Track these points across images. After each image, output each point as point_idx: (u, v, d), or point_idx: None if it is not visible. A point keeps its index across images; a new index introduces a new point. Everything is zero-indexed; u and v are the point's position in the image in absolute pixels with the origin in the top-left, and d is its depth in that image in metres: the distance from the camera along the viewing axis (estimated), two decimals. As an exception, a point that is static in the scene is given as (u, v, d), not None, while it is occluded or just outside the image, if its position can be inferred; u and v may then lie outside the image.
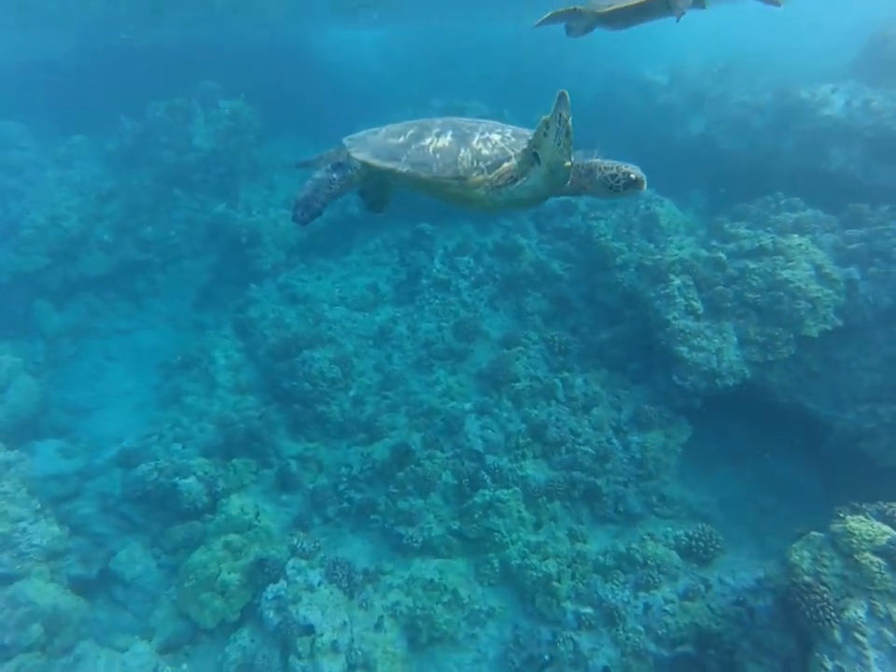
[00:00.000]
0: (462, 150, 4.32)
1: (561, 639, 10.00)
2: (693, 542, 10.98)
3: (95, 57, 25.64)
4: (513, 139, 4.38)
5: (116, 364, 17.88)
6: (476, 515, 11.50)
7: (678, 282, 12.97)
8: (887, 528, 7.34)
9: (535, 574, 10.69)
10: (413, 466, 12.32)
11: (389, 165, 4.50)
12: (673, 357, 12.54)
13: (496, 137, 4.37)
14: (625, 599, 10.32)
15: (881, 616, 6.70)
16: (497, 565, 11.11)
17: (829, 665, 6.67)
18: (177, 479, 12.50)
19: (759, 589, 8.80)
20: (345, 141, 4.94)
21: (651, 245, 14.52)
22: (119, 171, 21.62)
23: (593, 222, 15.47)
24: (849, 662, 6.60)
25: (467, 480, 12.05)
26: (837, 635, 6.78)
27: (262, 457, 13.44)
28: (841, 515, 7.87)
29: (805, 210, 14.29)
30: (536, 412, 13.07)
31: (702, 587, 10.31)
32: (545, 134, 3.75)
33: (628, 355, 13.91)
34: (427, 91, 23.72)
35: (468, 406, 13.45)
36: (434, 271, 17.39)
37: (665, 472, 12.60)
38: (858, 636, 6.66)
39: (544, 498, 11.94)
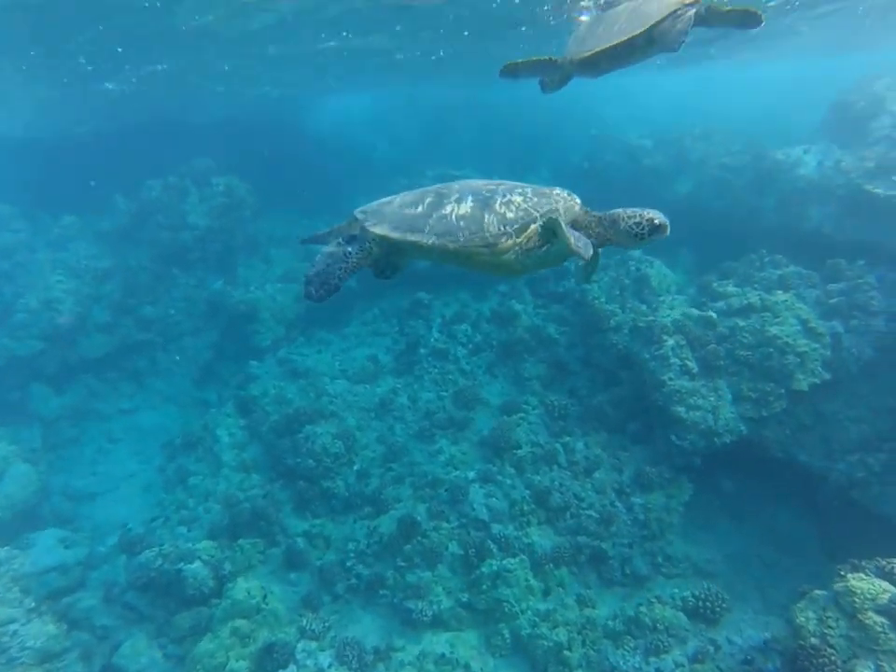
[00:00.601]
0: (486, 216, 4.28)
1: (575, 709, 10.05)
2: (700, 603, 11.13)
3: (80, 137, 26.33)
4: (535, 199, 4.37)
5: (118, 446, 18.10)
6: (484, 586, 11.61)
7: (671, 342, 13.33)
8: (887, 586, 7.48)
9: (546, 643, 10.79)
10: (419, 538, 12.43)
11: (412, 238, 4.40)
12: (671, 417, 12.81)
13: (518, 199, 4.34)
14: (636, 665, 10.43)
15: None
16: (507, 635, 11.20)
17: None
18: (182, 564, 12.51)
19: (766, 650, 8.89)
20: (358, 214, 4.84)
21: (644, 306, 14.90)
22: (114, 251, 22.10)
23: (586, 285, 15.88)
24: None
25: (473, 550, 12.16)
26: None
27: (269, 536, 13.50)
28: (842, 573, 8.00)
29: (788, 266, 14.77)
30: (539, 478, 13.27)
31: (711, 648, 10.45)
32: (555, 234, 4.09)
33: (626, 416, 14.18)
34: (419, 160, 24.40)
35: (471, 475, 13.64)
36: (432, 340, 17.75)
37: (668, 532, 12.75)
38: None
39: (551, 565, 12.08)
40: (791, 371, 12.66)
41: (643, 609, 11.12)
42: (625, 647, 10.71)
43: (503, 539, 12.30)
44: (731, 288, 14.17)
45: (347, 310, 20.44)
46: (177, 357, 20.04)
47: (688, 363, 13.15)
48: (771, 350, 12.77)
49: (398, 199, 4.77)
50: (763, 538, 13.27)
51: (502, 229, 4.22)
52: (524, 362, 16.20)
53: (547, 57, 6.95)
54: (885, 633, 6.97)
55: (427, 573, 12.08)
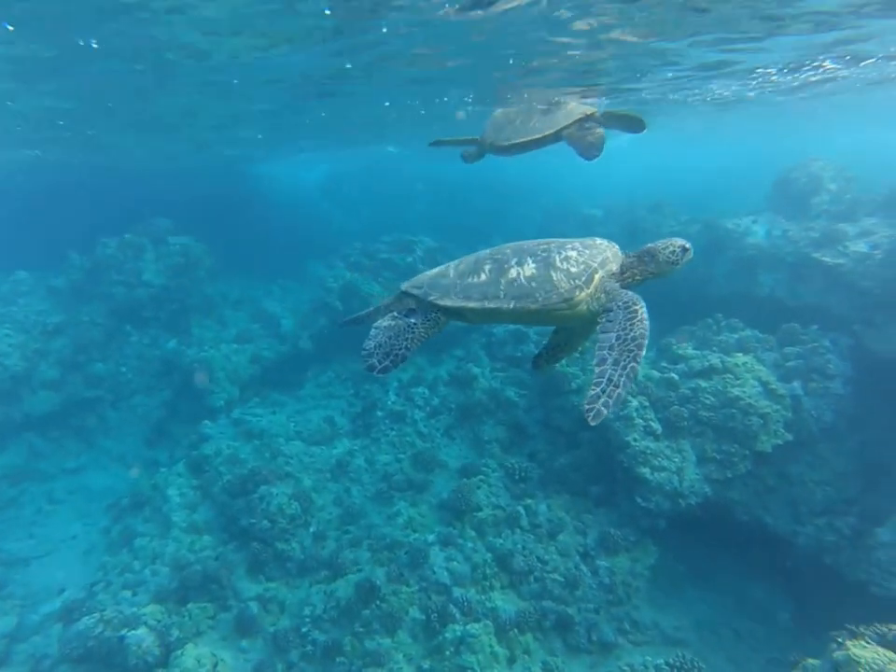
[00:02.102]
0: (554, 274, 4.44)
1: None
2: (675, 671, 10.56)
3: (31, 193, 25.84)
4: (587, 251, 4.57)
5: (61, 507, 16.96)
6: (447, 652, 10.97)
7: (635, 403, 13.16)
8: (892, 655, 7.02)
9: (513, 714, 10.12)
10: (378, 602, 11.79)
11: (491, 305, 4.51)
12: (636, 478, 12.53)
13: (573, 253, 4.52)
14: (611, 737, 9.78)
15: None
16: (472, 706, 10.49)
17: None
18: (125, 631, 11.50)
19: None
20: (412, 290, 4.91)
21: (604, 369, 14.73)
22: (66, 307, 21.33)
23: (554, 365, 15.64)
24: None
25: (435, 615, 11.55)
26: None
27: (220, 600, 12.65)
28: (839, 640, 7.60)
29: (745, 330, 14.88)
30: (501, 541, 12.80)
31: (690, 720, 9.88)
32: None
33: (589, 478, 13.86)
34: (375, 228, 24.44)
35: (431, 538, 13.08)
36: (389, 402, 17.43)
37: (634, 596, 12.34)
38: None
39: (516, 631, 11.50)
40: (754, 432, 12.57)
41: (616, 677, 10.54)
42: (597, 718, 10.09)
43: (466, 604, 11.72)
44: (691, 351, 14.16)
45: (301, 372, 20.02)
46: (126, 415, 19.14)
47: (652, 424, 12.96)
48: (734, 411, 12.69)
49: (449, 271, 4.87)
50: (731, 604, 12.90)
51: (573, 283, 4.42)
52: (482, 425, 15.91)
53: (470, 137, 8.17)
54: None
55: (387, 639, 11.39)
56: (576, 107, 7.34)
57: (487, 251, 4.87)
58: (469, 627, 11.20)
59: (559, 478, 14.03)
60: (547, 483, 14.05)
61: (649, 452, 12.61)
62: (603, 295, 4.53)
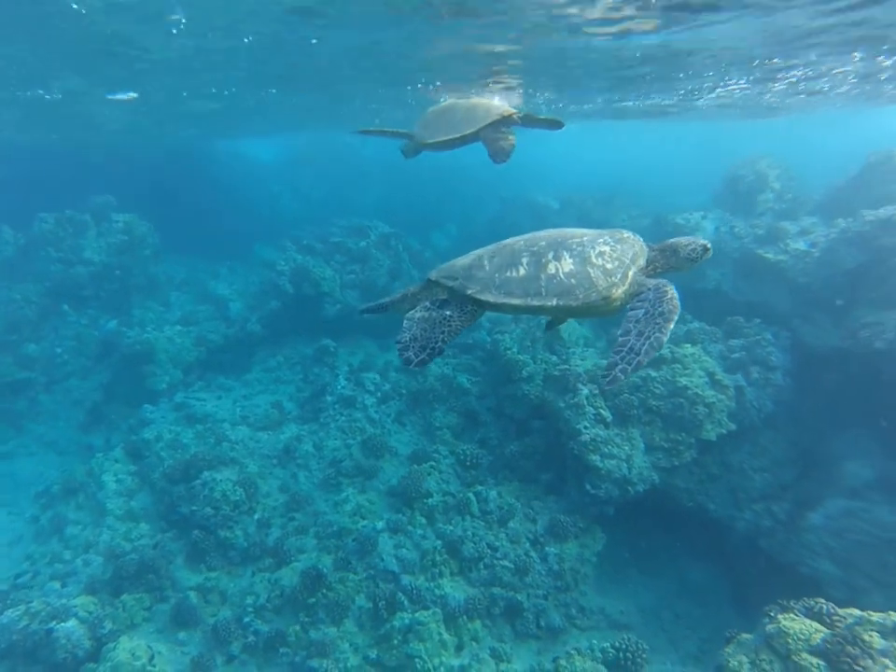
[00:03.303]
0: (591, 270, 4.41)
1: None
2: (621, 654, 10.40)
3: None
4: (619, 246, 4.55)
5: (-15, 497, 15.83)
6: (395, 641, 10.57)
7: (586, 391, 12.93)
8: (818, 625, 7.20)
9: (461, 702, 9.80)
10: (324, 591, 11.34)
11: (535, 303, 4.43)
12: (586, 465, 12.29)
13: (606, 248, 4.49)
14: (558, 723, 9.54)
15: None
16: (419, 694, 10.12)
17: None
18: (54, 623, 10.68)
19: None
20: (447, 281, 4.74)
21: (555, 357, 14.54)
22: (-4, 283, 20.05)
23: (498, 336, 15.40)
24: None
25: (383, 602, 11.12)
26: None
27: (157, 591, 11.95)
28: (771, 614, 7.69)
29: (693, 322, 14.83)
30: (451, 528, 12.43)
31: (634, 702, 9.72)
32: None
33: (539, 465, 13.60)
34: (327, 211, 23.79)
35: (380, 525, 12.63)
36: (339, 387, 16.85)
37: (582, 583, 12.15)
38: None
39: (465, 618, 11.17)
40: (700, 421, 12.49)
41: (562, 661, 10.30)
42: (545, 704, 9.85)
43: (414, 591, 11.33)
44: (641, 340, 13.96)
45: (249, 356, 19.29)
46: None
47: (602, 412, 12.76)
48: (682, 401, 12.59)
49: (483, 262, 4.69)
50: (673, 588, 12.92)
51: (610, 280, 4.40)
52: (434, 411, 15.48)
53: (404, 131, 8.30)
54: None
55: (333, 629, 10.95)
56: (496, 108, 7.39)
57: (520, 241, 4.72)
58: (417, 615, 10.80)
59: (510, 465, 13.72)
60: (498, 470, 13.75)
61: (599, 440, 12.39)
62: (634, 287, 4.52)
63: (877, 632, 6.90)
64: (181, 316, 20.15)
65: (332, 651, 10.63)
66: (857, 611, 7.32)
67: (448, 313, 4.66)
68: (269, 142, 34.44)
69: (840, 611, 7.39)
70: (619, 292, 4.42)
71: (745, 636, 7.83)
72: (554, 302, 4.40)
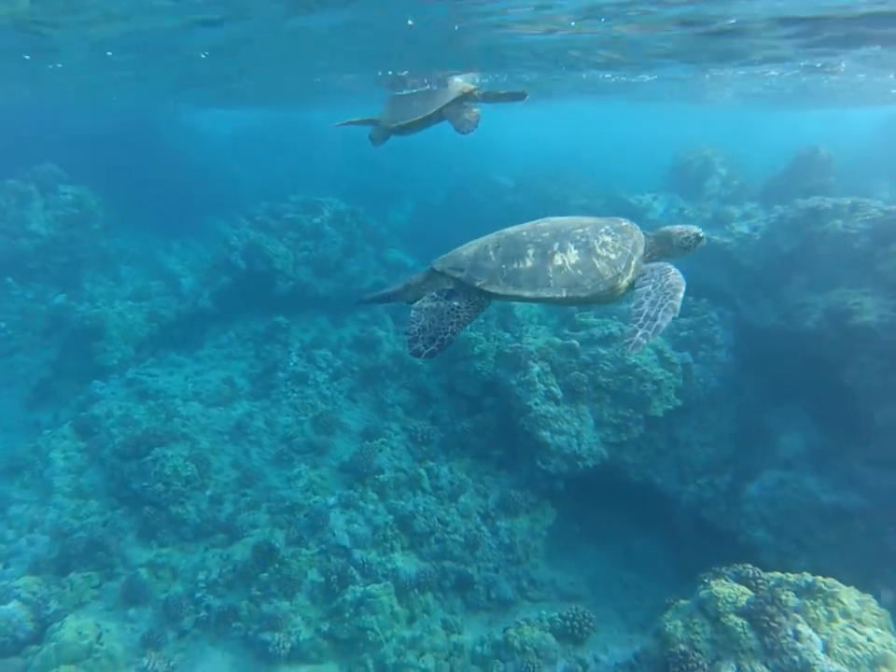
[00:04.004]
0: (597, 262, 4.38)
1: (444, 743, 9.04)
2: (568, 623, 10.49)
3: None
4: (620, 235, 4.52)
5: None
6: (347, 614, 10.47)
7: (537, 368, 12.85)
8: (745, 589, 7.46)
9: (412, 672, 9.72)
10: (276, 565, 11.15)
11: (545, 294, 4.37)
12: (536, 441, 12.27)
13: (608, 238, 4.46)
14: (507, 691, 9.54)
15: None
16: (371, 666, 10.07)
17: None
18: (-8, 607, 10.24)
19: (636, 664, 8.41)
20: (454, 272, 4.63)
21: (508, 335, 14.45)
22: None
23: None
24: None
25: (335, 577, 10.97)
26: None
27: (107, 568, 11.55)
28: (706, 581, 7.86)
29: (642, 301, 14.81)
30: (402, 503, 12.32)
31: (579, 668, 9.89)
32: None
33: (490, 442, 13.52)
34: (283, 187, 23.22)
35: (331, 500, 12.46)
36: (291, 364, 16.60)
37: (533, 556, 12.18)
38: None
39: (416, 591, 11.12)
40: (648, 397, 12.58)
41: (511, 631, 10.31)
42: (495, 671, 9.81)
43: (366, 566, 11.23)
44: (592, 319, 13.98)
45: (201, 332, 18.80)
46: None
47: (553, 389, 12.72)
48: (630, 378, 12.64)
49: (489, 253, 4.59)
50: (621, 560, 13.05)
51: (615, 270, 4.39)
52: (386, 388, 15.36)
53: (369, 118, 8.39)
54: (745, 633, 6.91)
55: (285, 602, 10.75)
56: (455, 86, 7.49)
57: (523, 231, 4.67)
58: (368, 588, 10.71)
59: (461, 441, 13.64)
60: (449, 447, 13.66)
61: (549, 416, 12.35)
62: (636, 275, 4.52)
63: (793, 591, 7.22)
64: (133, 291, 19.46)
65: (285, 624, 10.45)
66: (778, 574, 7.63)
67: (456, 304, 4.56)
68: (226, 115, 33.45)
69: (764, 575, 7.66)
70: (624, 282, 4.43)
71: (682, 602, 7.97)
72: (564, 294, 4.36)
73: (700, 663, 6.90)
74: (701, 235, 4.76)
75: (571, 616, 10.55)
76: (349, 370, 16.19)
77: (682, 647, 7.18)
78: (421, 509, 12.14)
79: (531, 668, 9.78)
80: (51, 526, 12.23)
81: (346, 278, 19.83)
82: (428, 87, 7.96)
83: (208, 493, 12.90)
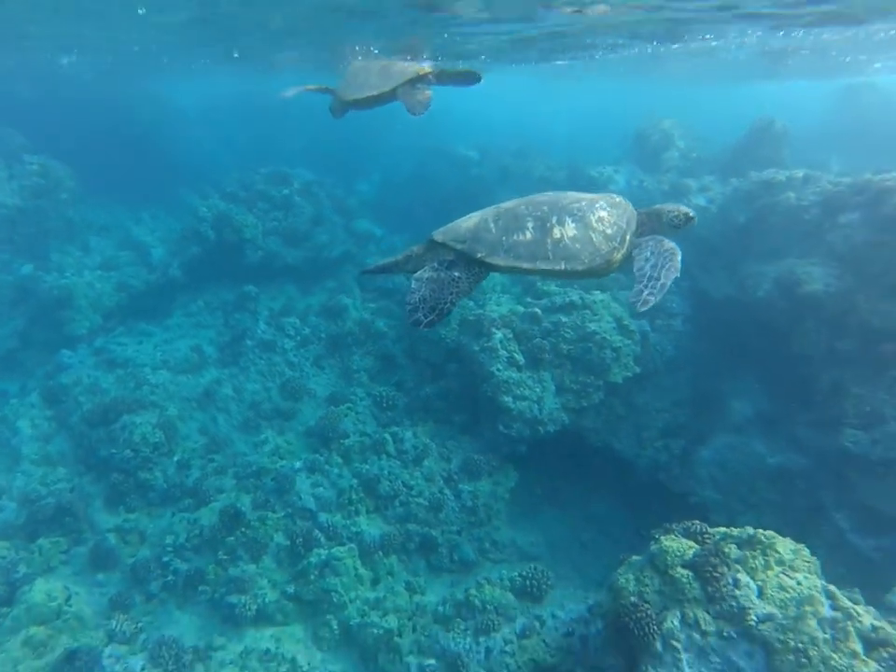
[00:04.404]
0: (593, 236, 4.41)
1: (404, 696, 9.27)
2: (527, 581, 10.75)
3: None
4: (615, 210, 4.55)
5: None
6: (312, 576, 10.61)
7: (499, 335, 12.96)
8: (692, 543, 7.68)
9: (376, 631, 9.97)
10: (243, 529, 11.23)
11: (544, 266, 4.41)
12: (498, 406, 12.41)
13: (604, 213, 4.49)
14: (467, 647, 9.81)
15: (690, 622, 6.92)
16: (336, 626, 10.24)
17: None
18: (-39, 570, 10.24)
19: (590, 617, 8.66)
20: (455, 244, 4.60)
21: (472, 303, 14.50)
22: None
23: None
24: (668, 667, 6.76)
25: (300, 540, 11.11)
26: (658, 645, 6.88)
27: (75, 534, 11.63)
28: (656, 537, 8.06)
29: (602, 272, 14.95)
30: (367, 467, 12.45)
31: (537, 624, 10.07)
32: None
33: (454, 407, 13.67)
34: (251, 158, 22.91)
35: (297, 464, 12.55)
36: (259, 332, 16.57)
37: (495, 518, 12.36)
38: (674, 643, 6.81)
39: (380, 553, 11.29)
40: (607, 364, 12.75)
41: (473, 591, 10.56)
42: (456, 629, 10.09)
43: (331, 528, 11.37)
44: (553, 287, 14.07)
45: (170, 301, 18.64)
46: None
47: (515, 355, 12.84)
48: (591, 345, 12.78)
49: (489, 225, 4.59)
50: (580, 521, 13.28)
51: (611, 245, 4.43)
52: (352, 355, 15.42)
53: (325, 87, 8.29)
54: (690, 583, 7.14)
55: (252, 566, 10.87)
56: (411, 66, 7.39)
57: (521, 205, 4.65)
58: (333, 551, 10.86)
59: (425, 406, 13.77)
60: (413, 412, 13.77)
61: (511, 382, 12.49)
62: (630, 250, 4.58)
63: (735, 544, 7.46)
64: (101, 262, 19.14)
65: (251, 587, 10.58)
66: (723, 529, 7.83)
67: (456, 274, 4.56)
68: (195, 86, 32.79)
69: (711, 530, 7.86)
70: (619, 256, 4.46)
71: (635, 557, 8.15)
72: (563, 266, 4.40)
73: (648, 612, 7.11)
74: (692, 215, 4.81)
75: (530, 575, 10.82)
76: (316, 337, 16.24)
77: (633, 598, 7.37)
78: (385, 472, 12.28)
79: (491, 626, 10.04)
80: (19, 493, 12.21)
81: (315, 248, 19.72)
82: (385, 62, 7.75)
83: (176, 459, 12.94)
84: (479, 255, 4.49)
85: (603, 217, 4.48)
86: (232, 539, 11.10)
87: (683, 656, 6.72)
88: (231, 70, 25.46)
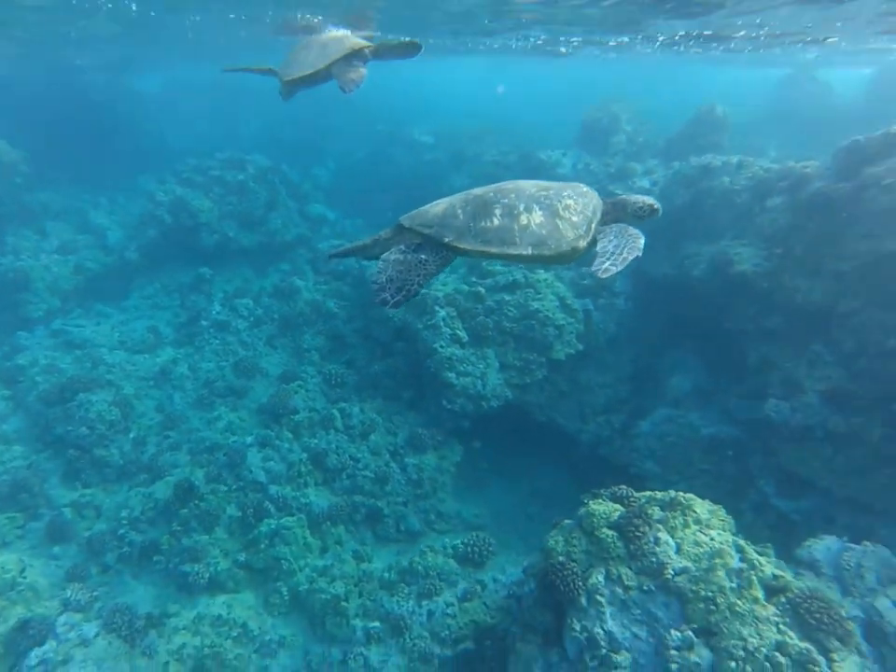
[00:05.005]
0: (560, 223, 4.47)
1: (352, 656, 9.61)
2: (469, 549, 11.09)
3: None
4: (581, 199, 4.62)
5: None
6: (262, 545, 10.85)
7: (443, 313, 13.21)
8: (618, 506, 8.02)
9: (324, 596, 10.23)
10: (196, 501, 11.40)
11: (512, 251, 4.42)
12: (442, 382, 12.67)
13: (570, 202, 4.56)
14: (410, 609, 10.15)
15: (614, 578, 7.23)
16: (285, 593, 10.47)
17: (577, 626, 7.06)
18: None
19: (524, 578, 8.97)
20: (422, 228, 4.64)
21: (419, 283, 14.67)
22: None
23: (365, 262, 15.39)
24: (591, 620, 7.04)
25: (251, 511, 11.33)
26: (583, 600, 7.18)
27: (31, 509, 11.69)
28: (585, 501, 8.41)
29: (549, 251, 15.23)
30: (316, 441, 12.68)
31: (478, 588, 10.45)
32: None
33: (402, 384, 13.93)
34: (209, 144, 22.77)
35: (249, 440, 12.74)
36: (214, 313, 16.74)
37: (441, 490, 12.63)
38: (598, 597, 7.10)
39: (328, 523, 11.53)
40: (550, 342, 13.03)
41: (416, 558, 10.88)
42: (400, 594, 10.42)
43: (281, 500, 11.59)
44: (498, 266, 14.31)
45: (127, 283, 18.65)
46: None
47: (458, 333, 13.10)
48: (533, 322, 13.06)
49: (456, 211, 4.63)
50: (528, 495, 13.55)
51: (577, 232, 4.49)
52: (303, 334, 15.70)
53: (268, 67, 7.87)
54: (614, 543, 7.45)
55: (204, 536, 11.08)
56: (346, 42, 7.10)
57: (489, 192, 4.71)
58: (283, 521, 11.09)
59: (374, 384, 14.01)
60: (362, 389, 14.01)
61: (455, 358, 12.75)
62: (594, 237, 4.65)
63: (658, 506, 7.84)
64: (59, 245, 18.99)
65: (204, 556, 10.78)
66: (648, 493, 8.21)
67: (423, 256, 4.61)
68: (153, 72, 32.35)
69: (636, 494, 8.22)
70: (584, 243, 4.53)
71: (566, 521, 8.47)
72: (529, 251, 4.43)
73: (575, 570, 7.42)
74: (656, 207, 4.90)
75: (472, 542, 11.19)
76: (269, 318, 16.45)
77: (561, 558, 7.67)
78: (334, 446, 12.52)
79: (433, 590, 10.39)
80: (-26, 472, 12.16)
81: (269, 232, 19.84)
82: (325, 38, 7.53)
83: (132, 436, 13.04)
84: (447, 239, 4.55)
85: (570, 205, 4.55)
86: (186, 511, 11.25)
87: (607, 609, 7.03)
88: (188, 53, 25.14)
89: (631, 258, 4.37)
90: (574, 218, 4.52)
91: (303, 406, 13.29)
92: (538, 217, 4.48)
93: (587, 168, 17.97)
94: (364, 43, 7.14)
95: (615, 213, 4.86)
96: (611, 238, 4.55)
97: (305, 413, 13.14)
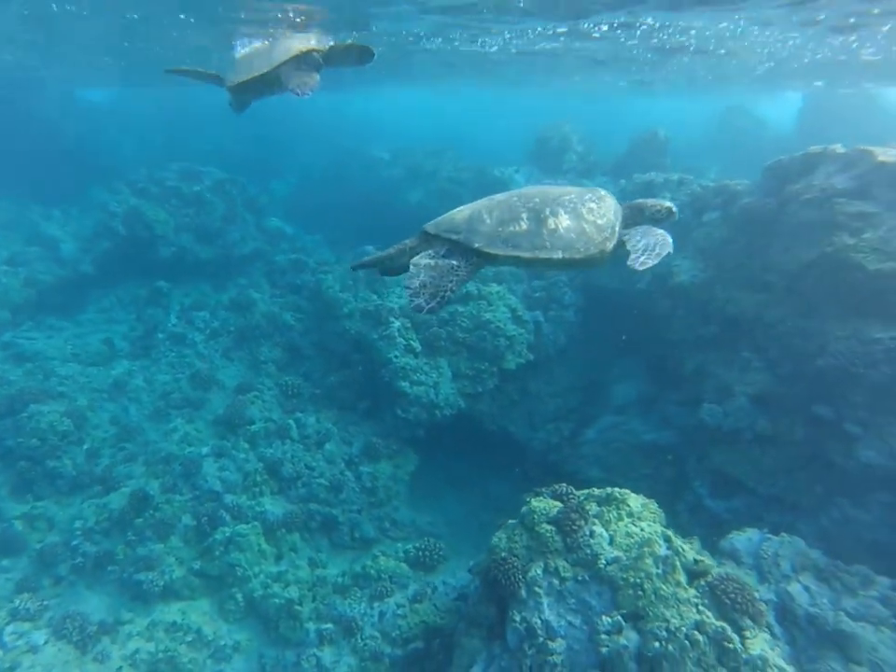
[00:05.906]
0: (586, 226, 4.56)
1: (305, 658, 10.05)
2: (421, 553, 11.63)
3: None
4: (603, 203, 4.73)
5: None
6: (217, 552, 11.22)
7: (397, 324, 13.85)
8: (557, 503, 8.61)
9: (278, 601, 10.64)
10: (151, 511, 11.72)
11: (542, 256, 4.49)
12: (396, 391, 13.28)
13: (593, 205, 4.66)
14: (362, 611, 10.63)
15: (552, 570, 7.79)
16: (240, 598, 10.87)
17: (517, 617, 7.60)
18: None
19: (471, 577, 9.53)
20: (450, 235, 4.67)
21: (375, 296, 15.29)
22: None
23: (321, 276, 16.04)
24: (531, 611, 7.58)
25: (206, 519, 11.70)
26: (523, 592, 7.74)
27: (-21, 525, 11.83)
28: (528, 500, 8.98)
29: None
30: (271, 451, 13.12)
31: (429, 590, 11.00)
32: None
33: (357, 395, 14.48)
34: (165, 157, 23.07)
35: (205, 450, 13.12)
36: (170, 325, 17.11)
37: (395, 499, 13.17)
38: (536, 589, 7.67)
39: (283, 531, 11.96)
40: (501, 352, 13.75)
41: (369, 562, 11.40)
42: (352, 597, 10.90)
43: (236, 508, 11.99)
44: (452, 280, 14.90)
45: (82, 296, 18.78)
46: None
47: (412, 343, 13.74)
48: (485, 333, 13.77)
49: (483, 216, 4.69)
50: (478, 501, 14.10)
51: (604, 235, 4.57)
52: (260, 346, 16.15)
53: (214, 73, 7.47)
54: (552, 537, 8.02)
55: (159, 545, 11.40)
56: (295, 45, 6.83)
57: (513, 197, 4.84)
58: (238, 528, 11.48)
59: (330, 394, 14.55)
60: (318, 399, 14.53)
61: (408, 368, 13.38)
62: (618, 240, 4.72)
63: (595, 502, 8.51)
64: (7, 257, 19.04)
65: (159, 564, 11.09)
66: (586, 490, 8.84)
67: (454, 262, 4.60)
68: (107, 80, 32.43)
69: (576, 492, 8.83)
70: (611, 245, 4.60)
71: (510, 521, 8.97)
72: (560, 255, 4.49)
73: (516, 564, 7.97)
74: (674, 210, 4.99)
75: (424, 547, 11.74)
76: (225, 330, 16.87)
77: (503, 554, 8.21)
78: (289, 456, 12.99)
79: (385, 592, 10.92)
80: (-83, 489, 12.29)
81: (227, 244, 20.29)
82: (272, 43, 7.38)
83: (85, 447, 13.25)
84: (476, 245, 4.55)
85: (593, 208, 4.63)
86: (141, 520, 11.56)
87: (545, 600, 7.59)
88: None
89: (664, 253, 4.46)
90: (599, 221, 4.61)
91: (259, 416, 13.76)
92: (564, 220, 4.55)
93: (539, 183, 18.80)
94: (313, 46, 6.91)
95: (633, 217, 4.97)
96: (639, 238, 4.62)
97: (261, 423, 13.60)
